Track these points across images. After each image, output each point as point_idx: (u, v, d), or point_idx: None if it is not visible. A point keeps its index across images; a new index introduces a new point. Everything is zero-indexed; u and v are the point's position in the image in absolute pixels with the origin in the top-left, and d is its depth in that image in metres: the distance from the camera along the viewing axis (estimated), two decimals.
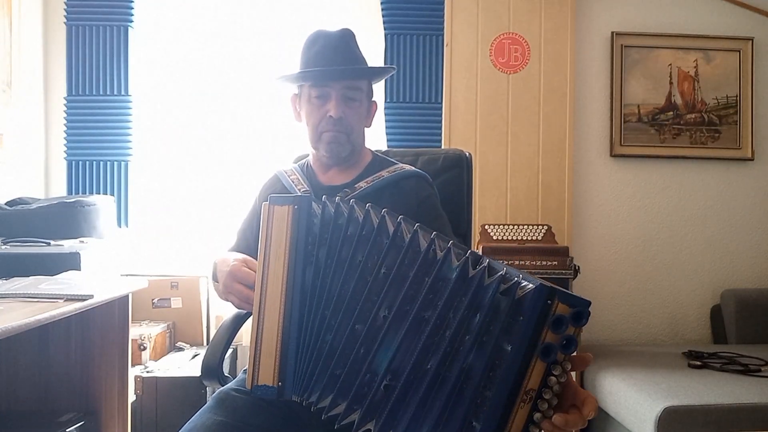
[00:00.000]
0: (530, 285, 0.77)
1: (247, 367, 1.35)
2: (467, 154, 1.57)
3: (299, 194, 1.17)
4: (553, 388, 0.77)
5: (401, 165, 1.39)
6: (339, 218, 0.93)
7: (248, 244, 1.37)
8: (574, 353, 0.78)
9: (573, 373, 0.81)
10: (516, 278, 0.78)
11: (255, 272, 1.05)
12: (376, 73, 1.41)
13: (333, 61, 1.28)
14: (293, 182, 1.36)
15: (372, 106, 1.40)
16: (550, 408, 0.77)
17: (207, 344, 2.63)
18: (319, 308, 0.92)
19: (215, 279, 1.24)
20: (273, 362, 0.91)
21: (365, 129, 1.40)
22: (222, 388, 1.22)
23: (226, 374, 1.29)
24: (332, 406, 0.88)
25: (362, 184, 1.31)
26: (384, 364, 0.85)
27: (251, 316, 1.01)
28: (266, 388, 0.91)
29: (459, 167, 1.54)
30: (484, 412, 0.77)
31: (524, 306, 0.76)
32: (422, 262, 0.85)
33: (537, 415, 0.77)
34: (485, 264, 0.82)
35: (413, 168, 1.39)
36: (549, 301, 0.76)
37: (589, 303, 0.77)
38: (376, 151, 1.48)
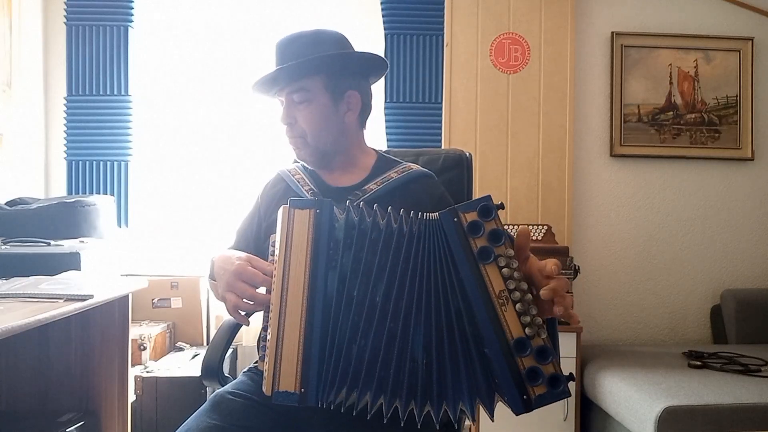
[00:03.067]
0: (438, 216, 0.90)
1: (246, 369, 1.34)
2: (467, 154, 1.56)
3: (320, 198, 1.14)
4: (513, 275, 0.86)
5: (408, 164, 1.35)
6: (362, 223, 0.93)
7: (248, 244, 1.35)
8: (508, 241, 0.88)
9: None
10: (431, 217, 0.92)
11: (260, 272, 1.04)
12: (318, 67, 1.24)
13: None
14: (298, 182, 1.32)
15: (343, 99, 1.28)
16: (526, 293, 0.86)
17: (207, 344, 2.63)
18: (348, 314, 0.91)
19: (212, 277, 1.21)
20: (294, 368, 0.90)
21: (345, 125, 1.29)
22: (218, 390, 1.21)
23: (226, 374, 1.29)
24: (389, 408, 0.89)
25: (372, 186, 1.27)
26: (419, 347, 0.90)
27: (264, 318, 1.01)
28: (287, 394, 0.89)
29: (459, 167, 1.54)
30: (483, 336, 0.86)
31: (446, 236, 0.88)
32: (424, 244, 0.92)
33: (519, 306, 0.86)
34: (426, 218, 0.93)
35: (420, 167, 1.36)
36: (455, 219, 0.88)
37: (488, 196, 0.89)
38: (379, 150, 1.45)
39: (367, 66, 1.33)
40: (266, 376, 0.91)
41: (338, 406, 0.91)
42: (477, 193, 2.75)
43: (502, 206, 0.88)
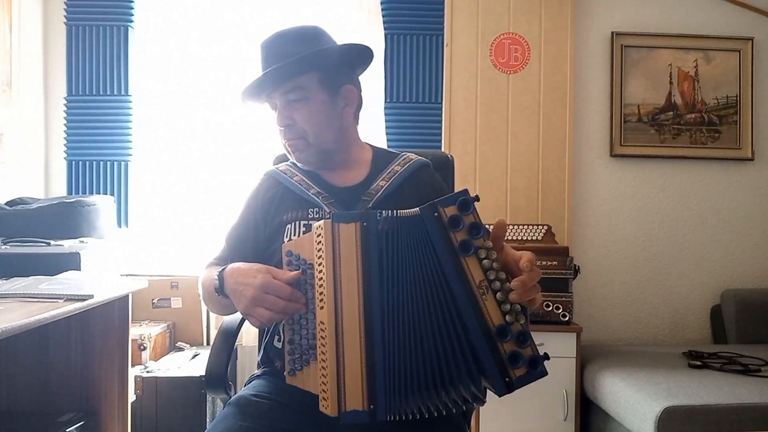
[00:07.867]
0: (417, 211, 0.93)
1: (257, 372, 1.28)
2: (450, 156, 1.60)
3: (365, 210, 1.14)
4: (493, 266, 0.90)
5: (406, 155, 1.33)
6: (392, 230, 0.94)
7: (244, 252, 1.24)
8: (486, 233, 0.91)
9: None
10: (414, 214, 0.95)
11: (284, 284, 1.00)
12: (312, 63, 1.20)
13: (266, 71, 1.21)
14: (299, 184, 1.25)
15: (340, 94, 1.25)
16: (504, 282, 0.90)
17: (207, 344, 2.63)
18: (397, 323, 0.93)
19: (223, 293, 1.10)
20: (360, 386, 0.90)
21: (343, 120, 1.26)
22: (239, 394, 1.17)
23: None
24: (435, 407, 0.92)
25: (381, 183, 1.24)
26: (432, 341, 0.92)
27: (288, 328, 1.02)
28: (356, 413, 0.90)
29: (445, 168, 1.55)
30: (467, 324, 0.90)
31: (428, 231, 0.91)
32: (411, 241, 0.95)
33: (499, 295, 0.90)
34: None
35: (417, 156, 1.34)
36: (436, 213, 0.91)
37: (465, 190, 0.92)
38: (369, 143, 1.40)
39: (358, 58, 1.30)
40: (327, 397, 0.91)
41: (407, 415, 0.93)
42: (477, 194, 2.74)
43: (477, 198, 0.92)
